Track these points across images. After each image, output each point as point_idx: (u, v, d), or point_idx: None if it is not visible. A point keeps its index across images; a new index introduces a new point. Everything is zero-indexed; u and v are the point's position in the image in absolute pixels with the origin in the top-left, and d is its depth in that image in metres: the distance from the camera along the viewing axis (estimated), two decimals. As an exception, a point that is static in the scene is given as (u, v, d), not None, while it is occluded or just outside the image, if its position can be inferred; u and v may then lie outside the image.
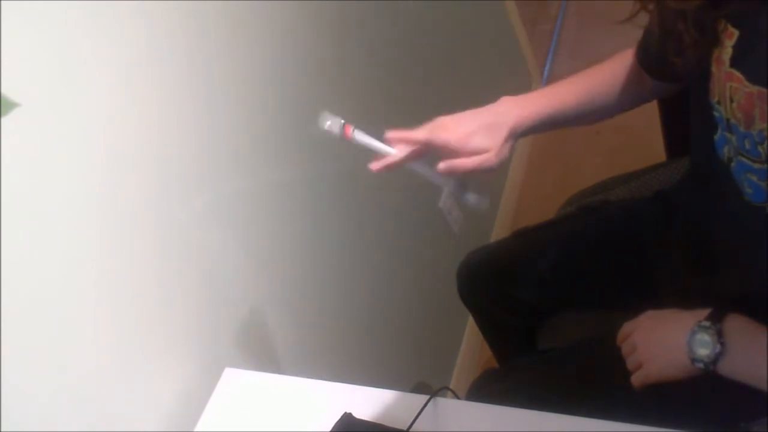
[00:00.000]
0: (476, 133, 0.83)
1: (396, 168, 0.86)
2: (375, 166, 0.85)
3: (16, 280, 0.65)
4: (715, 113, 0.69)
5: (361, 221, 1.26)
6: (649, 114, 1.11)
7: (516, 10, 2.06)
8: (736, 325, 0.72)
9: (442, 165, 0.83)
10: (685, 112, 0.79)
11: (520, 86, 2.15)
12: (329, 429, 0.74)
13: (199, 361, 0.88)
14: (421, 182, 0.90)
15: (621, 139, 1.93)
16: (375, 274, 1.31)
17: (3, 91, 0.63)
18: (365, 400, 0.78)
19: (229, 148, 0.94)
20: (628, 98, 0.90)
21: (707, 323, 0.72)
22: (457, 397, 0.86)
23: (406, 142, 0.85)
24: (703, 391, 0.76)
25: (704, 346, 0.72)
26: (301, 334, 1.09)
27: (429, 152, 0.86)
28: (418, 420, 0.72)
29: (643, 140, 1.47)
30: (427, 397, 0.75)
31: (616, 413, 0.66)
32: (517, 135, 0.86)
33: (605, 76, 0.91)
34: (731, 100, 0.64)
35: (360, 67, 1.27)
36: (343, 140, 0.84)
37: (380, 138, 0.86)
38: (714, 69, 0.66)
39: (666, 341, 0.78)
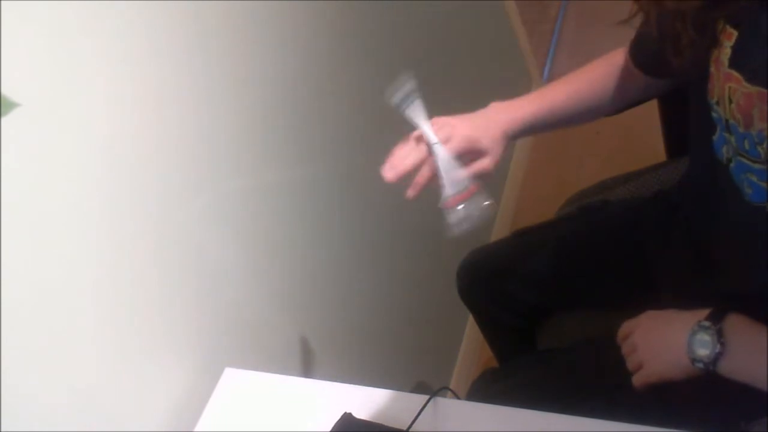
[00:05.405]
0: (482, 136, 0.84)
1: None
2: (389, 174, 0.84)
3: (15, 280, 0.65)
4: (714, 114, 0.69)
5: (361, 221, 1.26)
6: (649, 114, 1.11)
7: (516, 10, 2.06)
8: (737, 324, 0.72)
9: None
10: (685, 112, 0.79)
11: (520, 86, 2.15)
12: (329, 429, 0.74)
13: (199, 361, 0.88)
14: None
15: (621, 139, 1.93)
16: (375, 274, 1.31)
17: (3, 91, 0.63)
18: (365, 400, 0.78)
19: (229, 148, 0.94)
20: (621, 97, 0.90)
21: (707, 323, 0.72)
22: (457, 397, 0.86)
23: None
24: (703, 391, 0.76)
25: (704, 346, 0.72)
26: (301, 334, 1.09)
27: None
28: (418, 420, 0.72)
29: (643, 140, 1.47)
30: (427, 397, 0.75)
31: (616, 413, 0.66)
32: (508, 138, 0.87)
33: (595, 75, 0.90)
34: (730, 101, 0.64)
35: (359, 67, 1.27)
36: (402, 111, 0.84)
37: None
38: (713, 69, 0.66)
39: (666, 341, 0.78)
